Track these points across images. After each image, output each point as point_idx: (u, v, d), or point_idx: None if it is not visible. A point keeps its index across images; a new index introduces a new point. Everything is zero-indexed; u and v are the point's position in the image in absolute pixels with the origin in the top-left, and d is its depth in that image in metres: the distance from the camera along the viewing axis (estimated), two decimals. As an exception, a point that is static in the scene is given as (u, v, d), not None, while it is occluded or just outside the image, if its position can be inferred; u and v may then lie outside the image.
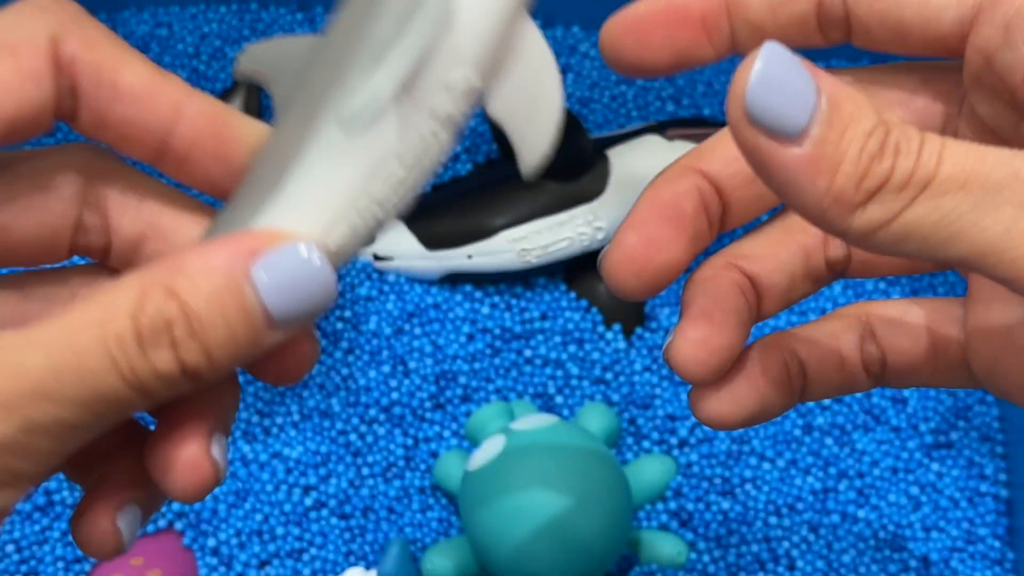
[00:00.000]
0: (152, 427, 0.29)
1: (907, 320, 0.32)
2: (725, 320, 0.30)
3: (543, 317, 0.64)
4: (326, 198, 0.27)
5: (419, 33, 0.26)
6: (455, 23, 0.27)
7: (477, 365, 0.62)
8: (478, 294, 0.64)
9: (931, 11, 0.28)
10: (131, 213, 0.30)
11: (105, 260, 0.31)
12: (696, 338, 0.30)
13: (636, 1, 0.30)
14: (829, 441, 0.60)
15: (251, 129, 0.29)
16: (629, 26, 0.30)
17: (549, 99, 0.28)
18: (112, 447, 0.30)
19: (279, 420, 0.60)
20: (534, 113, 0.28)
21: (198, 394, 0.28)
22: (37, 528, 0.58)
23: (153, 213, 0.30)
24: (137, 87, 0.28)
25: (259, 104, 0.70)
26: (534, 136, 0.28)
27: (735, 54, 0.30)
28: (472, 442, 0.58)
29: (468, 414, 0.60)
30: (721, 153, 0.31)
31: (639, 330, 0.63)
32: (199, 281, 0.26)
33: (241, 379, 0.62)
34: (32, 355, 0.25)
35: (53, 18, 0.27)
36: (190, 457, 0.27)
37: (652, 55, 0.30)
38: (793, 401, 0.32)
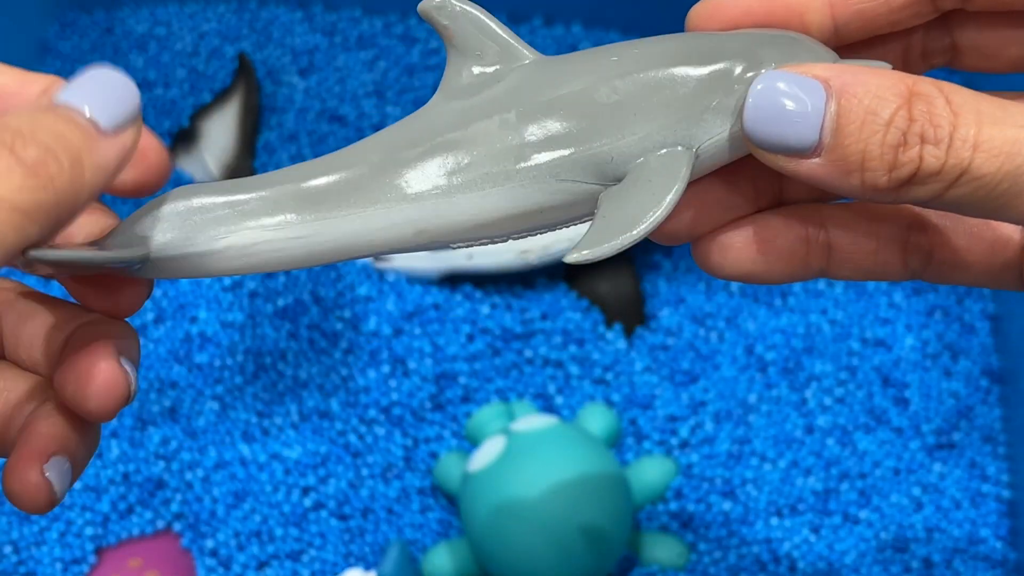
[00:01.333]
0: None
1: (967, 217, 0.31)
2: (707, 195, 0.31)
3: (543, 317, 0.63)
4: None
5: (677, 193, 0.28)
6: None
7: (477, 365, 0.62)
8: (478, 294, 0.64)
9: None
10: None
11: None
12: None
13: None
14: (830, 442, 0.60)
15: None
16: (717, 8, 0.30)
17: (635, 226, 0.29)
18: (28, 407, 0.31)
19: (278, 421, 0.60)
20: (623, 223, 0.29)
21: (97, 324, 0.30)
22: (35, 528, 0.57)
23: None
24: (11, 87, 0.29)
25: (258, 104, 0.69)
26: (608, 238, 0.29)
27: (838, 49, 0.30)
28: (472, 443, 0.58)
29: (468, 415, 0.60)
30: None
31: (639, 330, 0.63)
32: (17, 110, 0.27)
33: (239, 379, 0.61)
34: None
35: None
36: (102, 368, 0.29)
37: None
38: (807, 275, 0.32)
